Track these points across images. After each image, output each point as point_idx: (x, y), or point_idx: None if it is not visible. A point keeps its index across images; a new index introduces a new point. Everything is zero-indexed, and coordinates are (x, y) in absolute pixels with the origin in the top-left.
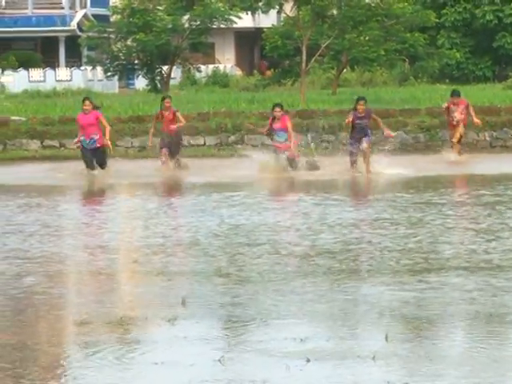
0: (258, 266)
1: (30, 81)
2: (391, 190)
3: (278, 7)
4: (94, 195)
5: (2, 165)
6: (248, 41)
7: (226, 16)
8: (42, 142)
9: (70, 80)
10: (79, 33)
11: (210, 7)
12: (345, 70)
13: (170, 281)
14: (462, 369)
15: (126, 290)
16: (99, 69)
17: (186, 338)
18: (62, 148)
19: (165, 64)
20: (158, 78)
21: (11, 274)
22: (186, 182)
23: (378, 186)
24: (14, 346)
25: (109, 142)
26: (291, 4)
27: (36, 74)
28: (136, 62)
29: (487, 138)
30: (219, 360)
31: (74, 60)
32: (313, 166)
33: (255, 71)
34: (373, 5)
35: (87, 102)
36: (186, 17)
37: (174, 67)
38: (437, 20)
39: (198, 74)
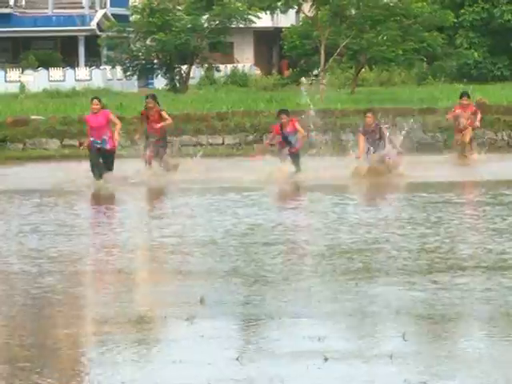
0: (276, 265)
1: (49, 80)
2: (408, 190)
3: (296, 7)
4: (109, 195)
5: (22, 164)
6: (267, 40)
7: (245, 16)
8: (61, 142)
9: (90, 79)
10: (99, 32)
11: (229, 7)
12: (363, 70)
13: (188, 280)
14: (479, 368)
15: (145, 289)
16: (118, 68)
17: (204, 337)
18: (82, 147)
19: (184, 63)
20: (177, 77)
21: (30, 273)
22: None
23: (394, 186)
24: (33, 345)
25: (116, 139)
26: (310, 4)
27: (56, 73)
28: (155, 61)
29: (505, 138)
30: (237, 359)
31: (93, 59)
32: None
33: (274, 71)
34: (391, 4)
35: (95, 101)
36: (205, 16)
37: (193, 67)
38: (455, 19)
39: (216, 74)
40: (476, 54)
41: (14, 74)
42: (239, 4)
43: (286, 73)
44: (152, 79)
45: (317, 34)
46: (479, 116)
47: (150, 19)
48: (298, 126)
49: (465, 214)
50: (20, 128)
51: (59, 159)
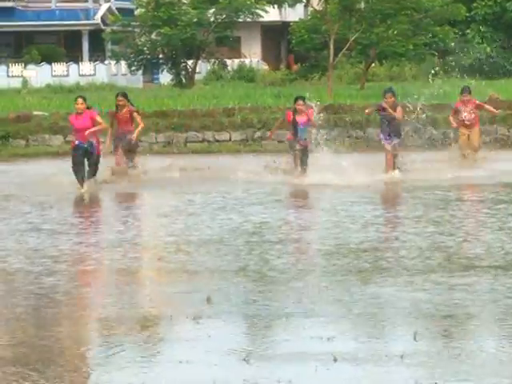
0: (284, 264)
1: (52, 75)
2: (419, 188)
3: (304, 1)
4: (114, 192)
5: (25, 160)
6: (274, 35)
7: (252, 9)
8: (64, 138)
9: (94, 74)
10: (103, 27)
11: (236, 0)
12: (373, 65)
13: (194, 279)
14: (491, 368)
15: (150, 287)
16: (123, 63)
17: (211, 337)
18: None
19: (190, 58)
20: (183, 72)
21: (33, 272)
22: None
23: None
24: (37, 345)
25: (95, 139)
26: None
27: (59, 68)
28: (160, 56)
29: None
30: (244, 359)
31: (97, 54)
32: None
33: (282, 66)
34: None
35: (80, 101)
36: (212, 10)
37: (199, 61)
38: (467, 13)
39: (219, 70)
40: (488, 49)
41: (16, 68)
42: None
43: (294, 67)
44: (157, 74)
45: (326, 29)
46: (488, 106)
47: (156, 13)
48: (313, 118)
49: (479, 212)
50: (22, 124)
51: (63, 156)
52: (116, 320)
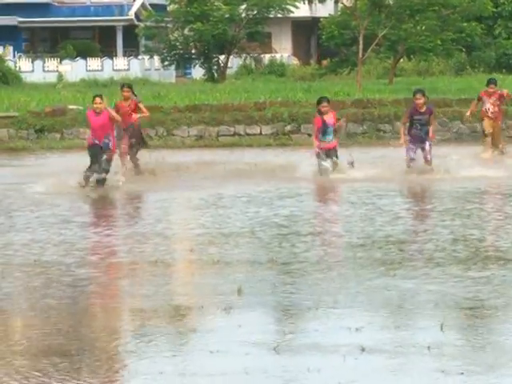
0: (313, 255)
1: (87, 70)
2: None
3: None
4: (142, 186)
5: (59, 153)
6: (305, 30)
7: (283, 5)
8: None
9: (128, 69)
10: (137, 22)
11: None
12: (401, 60)
13: (225, 270)
14: None
15: (182, 279)
16: (156, 58)
17: (241, 327)
18: None
19: (221, 53)
20: (215, 67)
21: (67, 263)
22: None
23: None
24: (71, 335)
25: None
26: None
27: (94, 63)
28: (193, 51)
29: None
30: (274, 349)
31: (131, 49)
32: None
33: (312, 61)
34: None
35: (98, 100)
36: (243, 6)
37: (231, 57)
38: (494, 9)
39: (254, 66)
40: None
41: (52, 63)
42: None
43: (324, 62)
44: (190, 69)
45: (355, 24)
46: (509, 98)
47: (188, 9)
48: (335, 118)
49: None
50: (58, 118)
51: None
52: (149, 311)
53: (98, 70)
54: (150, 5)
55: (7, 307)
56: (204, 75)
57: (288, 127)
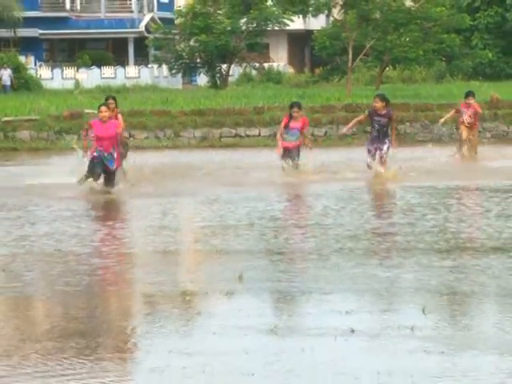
0: (308, 245)
1: (102, 77)
2: (425, 180)
3: (326, 11)
4: (154, 181)
5: (75, 153)
6: (299, 41)
7: (280, 19)
8: None
9: (138, 77)
10: (147, 34)
11: (266, 11)
12: (387, 69)
13: (227, 258)
14: (493, 341)
15: (188, 267)
16: (165, 67)
17: (242, 311)
18: (131, 138)
19: (224, 62)
20: (218, 75)
21: (80, 253)
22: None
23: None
24: (85, 319)
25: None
26: (339, 8)
27: (107, 71)
28: (198, 60)
29: None
30: (271, 330)
31: (141, 59)
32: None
33: (305, 69)
34: (413, 9)
35: (103, 109)
36: (244, 20)
37: (232, 65)
38: (471, 22)
39: (254, 73)
40: (490, 54)
41: (69, 71)
42: (274, 8)
43: (316, 71)
44: (195, 76)
45: (345, 36)
46: (477, 117)
47: (194, 22)
48: (306, 127)
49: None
50: (75, 121)
51: None
52: (158, 296)
53: (111, 78)
54: (159, 18)
55: (30, 293)
56: (208, 82)
57: None
